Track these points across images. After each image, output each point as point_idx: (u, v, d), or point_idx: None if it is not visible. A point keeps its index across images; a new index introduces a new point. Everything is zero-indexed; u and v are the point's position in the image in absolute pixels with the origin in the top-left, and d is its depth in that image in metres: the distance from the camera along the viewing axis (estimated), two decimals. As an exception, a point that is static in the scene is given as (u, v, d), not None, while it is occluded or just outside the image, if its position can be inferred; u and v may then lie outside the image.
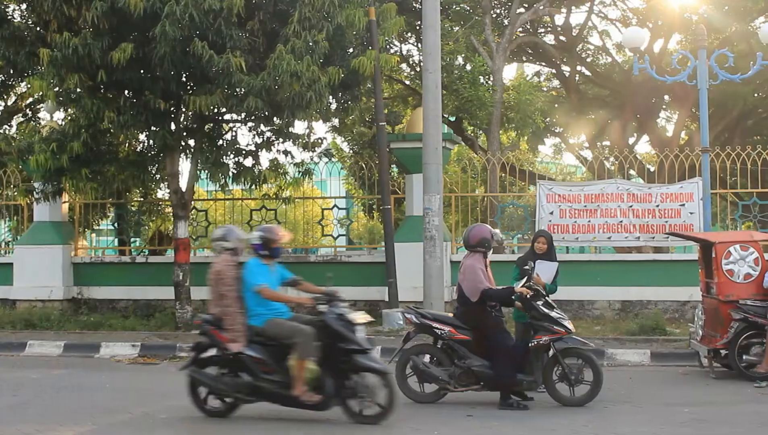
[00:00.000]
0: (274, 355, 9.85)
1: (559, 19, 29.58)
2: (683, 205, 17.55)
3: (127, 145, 18.38)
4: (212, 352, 10.24)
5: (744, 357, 12.49)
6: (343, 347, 9.66)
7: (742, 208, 19.00)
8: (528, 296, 10.73)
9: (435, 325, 10.92)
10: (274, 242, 10.14)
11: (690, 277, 15.87)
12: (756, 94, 27.97)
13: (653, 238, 17.80)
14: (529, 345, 10.73)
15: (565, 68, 30.79)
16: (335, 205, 21.09)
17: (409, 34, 26.72)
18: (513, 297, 10.76)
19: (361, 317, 9.93)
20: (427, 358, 11.01)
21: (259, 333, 9.93)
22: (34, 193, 18.55)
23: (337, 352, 9.68)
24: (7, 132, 22.97)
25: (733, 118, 28.36)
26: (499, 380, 10.63)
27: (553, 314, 10.73)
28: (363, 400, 9.68)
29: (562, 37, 29.91)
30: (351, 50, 17.29)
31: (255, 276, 9.99)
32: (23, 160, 17.23)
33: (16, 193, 21.64)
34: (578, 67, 30.69)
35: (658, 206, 17.63)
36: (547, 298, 10.97)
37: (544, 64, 31.97)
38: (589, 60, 31.60)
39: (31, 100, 25.22)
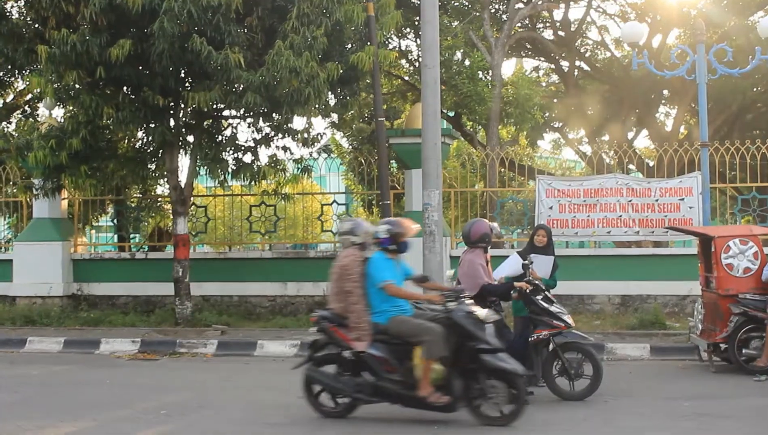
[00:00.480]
0: (397, 354, 9.44)
1: (557, 14, 29.60)
2: (682, 199, 17.57)
3: (126, 141, 18.38)
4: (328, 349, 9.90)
5: (743, 351, 12.49)
6: (473, 346, 9.31)
7: (741, 203, 19.01)
8: (528, 291, 10.75)
9: None
10: (402, 236, 9.70)
11: (689, 272, 15.87)
12: (755, 89, 27.95)
13: (653, 232, 17.82)
14: (529, 340, 10.75)
15: (564, 63, 30.80)
16: (334, 201, 21.06)
17: (408, 30, 26.71)
18: (512, 292, 10.78)
19: (490, 316, 9.61)
20: None
21: (382, 331, 9.52)
22: (34, 189, 18.61)
23: (466, 351, 9.32)
24: (5, 129, 22.92)
25: (732, 112, 28.36)
26: None
27: (552, 309, 10.75)
28: (492, 401, 9.32)
29: (560, 32, 29.92)
30: (349, 46, 17.29)
31: (381, 271, 9.57)
32: (22, 157, 17.24)
33: (15, 190, 21.68)
34: (577, 62, 30.70)
35: (657, 201, 17.64)
36: (546, 292, 10.98)
37: (542, 59, 31.98)
38: (587, 55, 31.62)
39: (29, 96, 25.20)
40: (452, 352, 9.30)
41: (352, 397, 9.68)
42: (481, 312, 9.51)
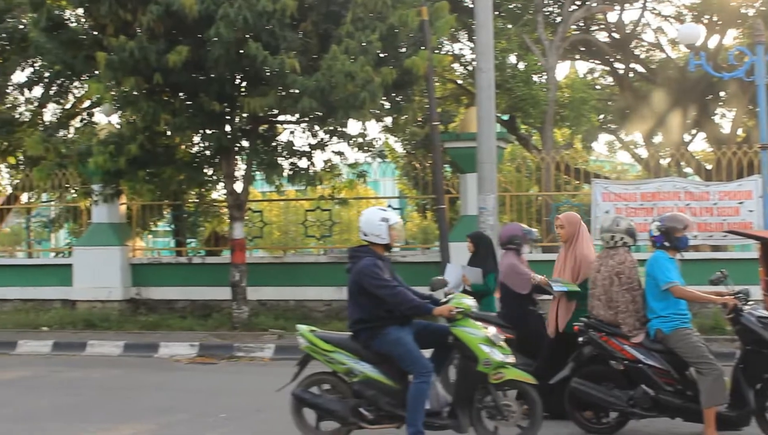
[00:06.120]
0: (676, 364, 8.70)
1: (612, 16, 29.38)
2: (742, 203, 17.32)
3: (183, 147, 18.55)
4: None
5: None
6: None
7: (803, 205, 18.69)
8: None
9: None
10: (678, 231, 8.91)
11: (750, 276, 15.64)
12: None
13: (711, 236, 17.57)
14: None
15: (619, 65, 30.52)
16: (389, 205, 21.07)
17: (462, 33, 26.67)
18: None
19: None
20: None
21: (660, 340, 8.75)
22: (93, 195, 18.85)
23: (762, 360, 8.58)
24: (66, 136, 23.30)
25: (791, 113, 27.87)
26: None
27: None
28: None
29: (615, 34, 29.67)
30: (404, 50, 17.31)
31: (666, 272, 8.71)
32: (82, 163, 17.45)
33: (75, 196, 22.02)
34: (632, 64, 30.42)
35: (716, 204, 17.39)
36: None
37: (597, 61, 31.73)
38: (643, 57, 31.31)
39: (88, 103, 25.56)
40: (745, 359, 8.72)
41: (626, 412, 8.89)
42: None
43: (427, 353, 8.47)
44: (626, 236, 9.11)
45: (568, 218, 9.76)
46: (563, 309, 9.50)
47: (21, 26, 22.27)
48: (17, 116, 24.90)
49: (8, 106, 25.21)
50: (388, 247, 8.54)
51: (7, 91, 25.22)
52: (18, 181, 25.01)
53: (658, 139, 31.73)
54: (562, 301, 9.60)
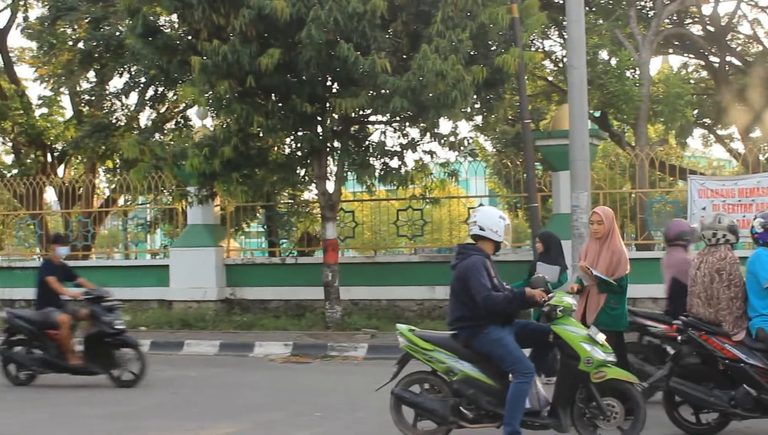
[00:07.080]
0: None
1: (706, 9, 28.77)
2: None
3: (275, 148, 18.74)
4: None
5: None
6: None
7: None
8: None
9: (647, 322, 10.49)
10: None
11: None
12: None
13: (814, 233, 17.06)
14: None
15: (714, 59, 29.89)
16: (480, 204, 20.97)
17: (552, 30, 26.43)
18: None
19: None
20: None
21: (762, 338, 8.53)
22: (189, 197, 19.16)
23: None
24: (161, 139, 23.76)
25: None
26: None
27: None
28: None
29: (710, 27, 29.06)
30: (494, 48, 17.20)
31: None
32: (177, 165, 17.75)
33: (171, 198, 22.43)
34: (727, 58, 29.75)
35: (819, 200, 16.91)
36: None
37: (691, 55, 31.12)
38: (738, 50, 30.60)
39: (182, 107, 26.04)
40: None
41: (727, 413, 8.69)
42: None
43: (526, 352, 8.38)
44: (728, 233, 8.92)
45: (605, 213, 9.63)
46: (593, 302, 9.37)
47: (117, 33, 22.81)
48: (114, 121, 25.50)
49: (106, 111, 25.84)
50: (497, 247, 8.49)
51: (105, 97, 25.89)
52: (115, 184, 25.59)
53: (755, 133, 30.97)
54: (593, 293, 9.45)
